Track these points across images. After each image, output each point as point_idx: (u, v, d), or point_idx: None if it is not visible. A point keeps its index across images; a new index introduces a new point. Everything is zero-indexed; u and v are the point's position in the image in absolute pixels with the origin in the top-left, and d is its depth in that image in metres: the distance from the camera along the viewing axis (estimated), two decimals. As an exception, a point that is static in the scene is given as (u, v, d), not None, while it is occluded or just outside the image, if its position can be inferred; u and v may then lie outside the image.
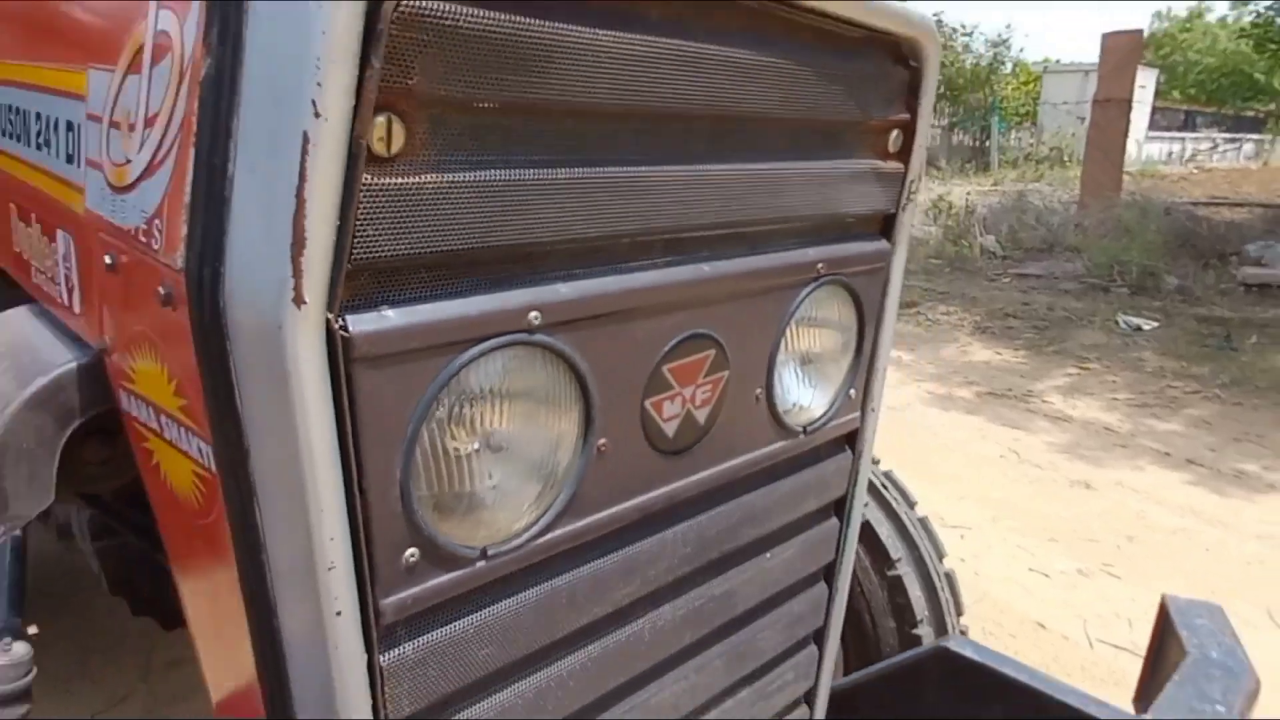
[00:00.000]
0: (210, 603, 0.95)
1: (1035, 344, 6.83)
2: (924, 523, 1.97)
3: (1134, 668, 1.87)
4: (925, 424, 4.98)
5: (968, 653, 1.53)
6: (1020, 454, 4.58)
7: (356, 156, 0.67)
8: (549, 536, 0.93)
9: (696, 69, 0.92)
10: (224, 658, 0.97)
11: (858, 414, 1.35)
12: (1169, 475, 4.38)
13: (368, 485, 0.77)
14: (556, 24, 0.77)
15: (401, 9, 0.66)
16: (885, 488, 1.97)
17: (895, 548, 1.90)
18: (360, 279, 0.72)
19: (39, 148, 1.12)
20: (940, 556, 1.95)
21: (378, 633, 0.81)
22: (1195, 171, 28.44)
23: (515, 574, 0.92)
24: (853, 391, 1.30)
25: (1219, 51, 43.23)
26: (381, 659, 0.82)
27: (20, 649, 1.11)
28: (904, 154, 1.25)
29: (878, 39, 1.13)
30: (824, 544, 1.41)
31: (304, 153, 0.65)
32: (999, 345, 6.82)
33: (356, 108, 0.66)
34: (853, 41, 1.11)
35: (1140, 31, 12.38)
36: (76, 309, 1.08)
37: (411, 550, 0.81)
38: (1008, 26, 55.89)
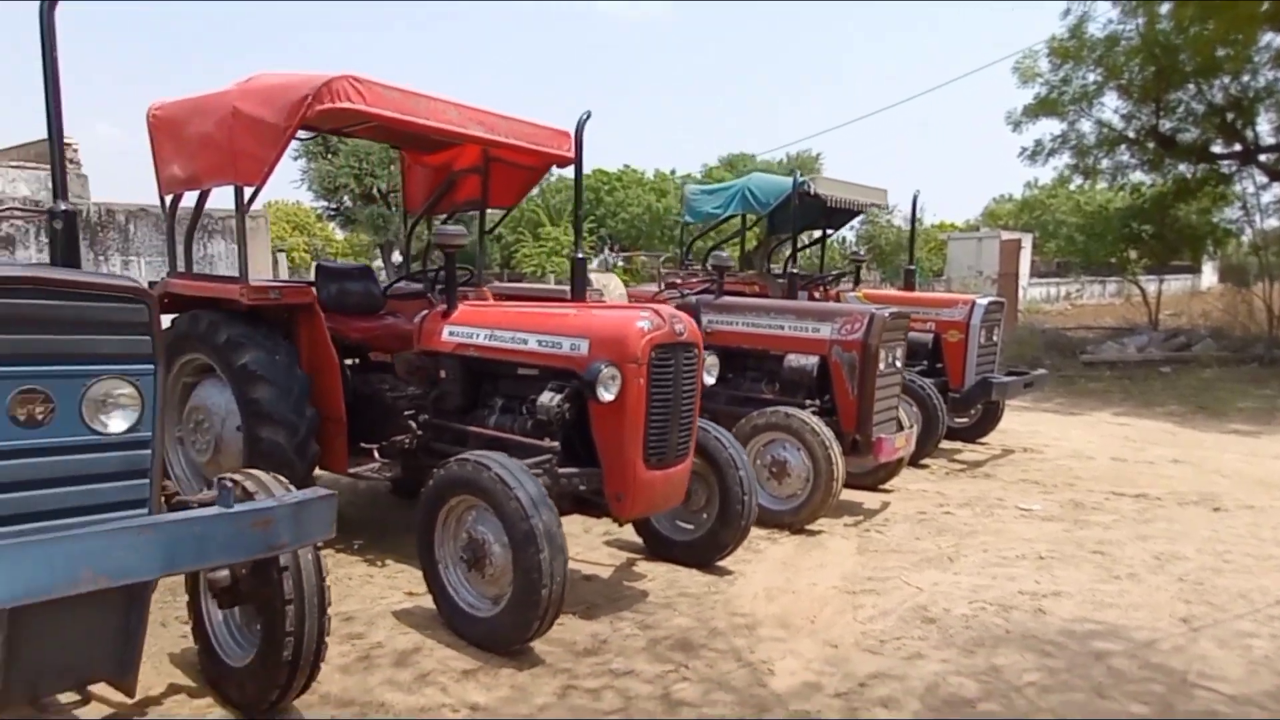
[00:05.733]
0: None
1: (991, 388, 15.45)
2: None
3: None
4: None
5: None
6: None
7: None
8: None
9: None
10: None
11: None
12: (1044, 415, 12.81)
13: None
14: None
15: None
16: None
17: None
18: None
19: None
20: None
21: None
22: (1069, 307, 38.48)
23: None
24: None
25: (1083, 213, 52.84)
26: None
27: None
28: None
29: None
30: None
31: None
32: (975, 390, 15.39)
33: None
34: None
35: (1018, 239, 21.85)
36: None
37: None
38: (922, 206, 67.45)
